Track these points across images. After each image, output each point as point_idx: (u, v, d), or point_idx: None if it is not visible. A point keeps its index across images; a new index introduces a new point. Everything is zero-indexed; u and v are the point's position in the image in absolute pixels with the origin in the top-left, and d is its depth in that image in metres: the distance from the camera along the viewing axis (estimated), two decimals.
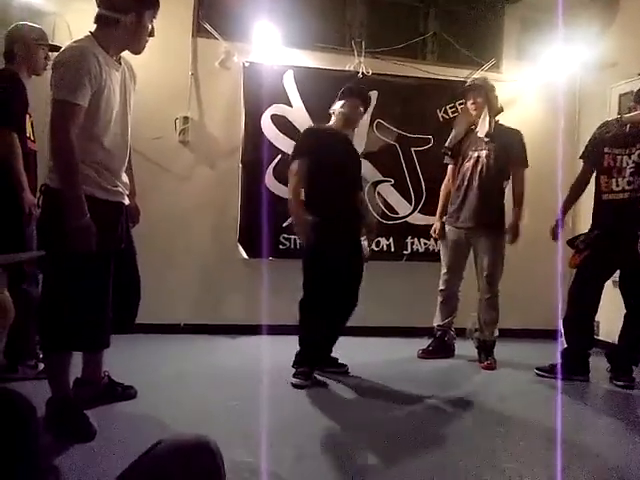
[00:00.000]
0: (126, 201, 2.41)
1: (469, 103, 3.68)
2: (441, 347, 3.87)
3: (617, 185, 3.32)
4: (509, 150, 3.57)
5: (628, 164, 3.29)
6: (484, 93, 3.61)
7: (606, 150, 3.36)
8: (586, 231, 3.46)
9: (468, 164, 3.64)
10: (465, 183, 3.64)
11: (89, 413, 2.30)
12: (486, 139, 3.60)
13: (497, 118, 3.66)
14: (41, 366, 2.79)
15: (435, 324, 3.90)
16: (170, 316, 4.09)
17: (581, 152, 3.55)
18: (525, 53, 4.60)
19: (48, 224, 2.20)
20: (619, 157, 3.34)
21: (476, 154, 3.62)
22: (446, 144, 3.82)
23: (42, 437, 1.36)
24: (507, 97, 4.59)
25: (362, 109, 3.32)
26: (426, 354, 3.85)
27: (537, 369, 3.49)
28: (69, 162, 2.07)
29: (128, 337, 2.53)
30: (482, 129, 3.61)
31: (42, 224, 2.28)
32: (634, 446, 2.42)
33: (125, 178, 2.41)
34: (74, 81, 2.04)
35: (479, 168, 3.59)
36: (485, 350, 3.69)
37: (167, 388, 2.90)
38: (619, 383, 3.30)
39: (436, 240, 4.21)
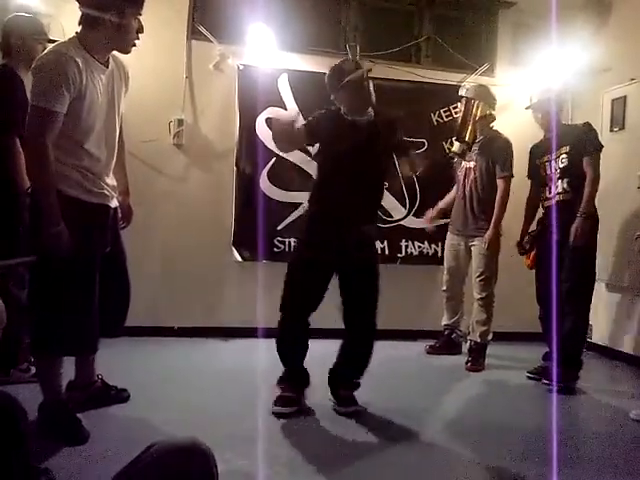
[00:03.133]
0: (113, 204, 2.39)
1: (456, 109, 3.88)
2: (448, 344, 4.02)
3: (550, 192, 3.39)
4: (495, 161, 3.68)
5: (555, 170, 3.36)
6: (465, 101, 3.74)
7: (537, 162, 3.48)
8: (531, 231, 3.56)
9: (460, 174, 3.83)
10: (460, 193, 3.83)
11: (82, 416, 2.29)
12: (476, 151, 3.74)
13: (491, 125, 3.78)
14: (33, 370, 2.77)
15: (442, 323, 4.05)
16: (164, 319, 4.08)
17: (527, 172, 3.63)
18: (519, 58, 4.62)
19: (33, 226, 2.18)
20: (547, 164, 3.41)
21: (467, 165, 3.78)
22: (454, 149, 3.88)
23: (34, 440, 1.35)
24: (501, 101, 4.61)
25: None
26: (433, 350, 4.04)
27: (528, 372, 3.49)
28: (42, 170, 2.06)
29: (121, 340, 2.53)
30: (474, 141, 3.75)
31: (29, 226, 2.27)
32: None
33: (112, 180, 2.39)
34: (51, 88, 2.03)
35: (470, 179, 3.75)
36: (476, 352, 3.72)
37: (160, 391, 2.89)
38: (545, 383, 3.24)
39: (430, 243, 4.25)
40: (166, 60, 4.07)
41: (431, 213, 4.06)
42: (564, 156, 3.31)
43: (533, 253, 3.51)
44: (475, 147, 3.76)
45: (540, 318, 3.47)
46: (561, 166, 3.32)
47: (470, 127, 3.70)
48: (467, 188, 3.76)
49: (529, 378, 3.46)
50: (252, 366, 3.30)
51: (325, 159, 2.77)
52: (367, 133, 2.63)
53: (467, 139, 3.71)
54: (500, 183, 3.65)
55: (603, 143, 3.32)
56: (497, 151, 3.68)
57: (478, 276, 3.71)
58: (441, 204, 4.06)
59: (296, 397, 2.70)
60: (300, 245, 2.92)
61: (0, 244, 2.65)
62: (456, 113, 3.92)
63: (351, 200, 2.60)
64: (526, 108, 3.57)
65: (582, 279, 3.26)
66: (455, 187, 3.97)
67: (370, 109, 2.70)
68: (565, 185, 3.31)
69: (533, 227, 3.57)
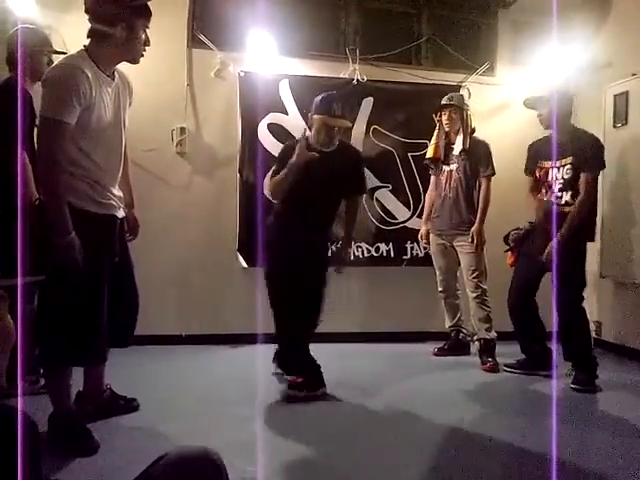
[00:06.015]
0: (120, 214, 2.40)
1: (444, 117, 3.89)
2: (456, 346, 4.05)
3: (550, 196, 3.34)
4: (477, 162, 3.80)
5: (557, 179, 3.30)
6: (458, 111, 3.82)
7: (539, 163, 3.42)
8: (517, 227, 3.54)
9: (442, 177, 3.94)
10: (442, 194, 3.93)
11: (91, 427, 2.29)
12: (459, 154, 3.84)
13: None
14: (42, 381, 2.78)
15: (447, 325, 4.08)
16: (171, 327, 4.08)
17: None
18: (519, 56, 4.62)
19: (41, 238, 2.19)
20: (549, 170, 3.35)
21: (449, 168, 3.90)
22: (427, 155, 4.03)
23: (45, 452, 1.35)
24: (502, 100, 4.62)
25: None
26: (441, 352, 4.05)
27: (505, 365, 3.58)
28: (52, 180, 2.08)
29: (130, 349, 2.53)
30: (457, 147, 3.85)
31: (36, 238, 2.26)
32: None
33: (118, 191, 2.40)
34: (62, 99, 2.05)
35: (452, 181, 3.86)
36: (486, 351, 3.74)
37: (170, 399, 2.89)
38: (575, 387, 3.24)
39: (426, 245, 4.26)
40: (167, 69, 4.09)
41: (424, 232, 4.12)
42: (569, 167, 3.25)
43: (512, 252, 3.54)
44: (455, 151, 3.86)
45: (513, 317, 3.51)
46: (566, 177, 3.27)
47: (467, 135, 3.80)
48: (451, 189, 3.86)
49: (505, 371, 3.55)
50: (260, 372, 3.29)
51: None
52: (327, 163, 2.91)
53: (466, 147, 3.79)
54: (484, 181, 3.79)
55: (606, 139, 3.28)
56: (479, 153, 3.80)
57: (471, 274, 3.79)
58: (424, 218, 4.15)
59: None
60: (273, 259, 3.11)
61: (6, 259, 2.65)
62: (438, 121, 3.97)
63: (308, 217, 2.98)
64: (525, 104, 3.52)
65: (571, 279, 3.24)
66: (430, 192, 4.09)
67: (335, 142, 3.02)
68: (569, 198, 3.25)
69: (520, 224, 3.55)
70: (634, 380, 3.49)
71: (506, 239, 3.58)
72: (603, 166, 3.28)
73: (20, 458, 1.08)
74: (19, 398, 2.30)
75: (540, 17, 4.31)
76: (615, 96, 4.17)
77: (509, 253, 3.57)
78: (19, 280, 2.25)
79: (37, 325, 2.26)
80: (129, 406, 2.65)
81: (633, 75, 4.00)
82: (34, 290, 2.63)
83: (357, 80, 4.33)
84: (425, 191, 4.39)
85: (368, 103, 4.37)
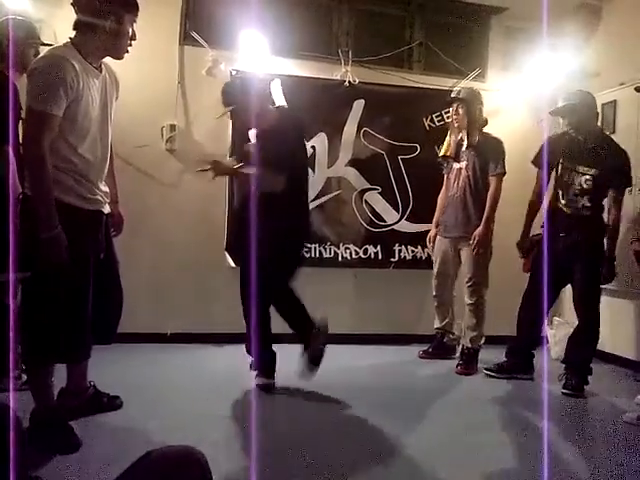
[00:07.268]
0: (106, 210, 2.39)
1: (452, 112, 3.82)
2: (441, 348, 4.03)
3: (562, 198, 3.36)
4: (487, 159, 3.69)
5: (574, 183, 3.30)
6: (465, 105, 3.72)
7: (560, 161, 3.39)
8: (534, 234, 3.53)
9: (452, 176, 3.83)
10: (450, 194, 3.83)
11: (74, 424, 2.27)
12: (468, 151, 3.74)
13: (483, 129, 3.77)
14: (24, 377, 2.74)
15: (434, 327, 4.05)
16: (156, 325, 4.05)
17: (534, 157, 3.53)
18: (510, 63, 4.66)
19: (26, 233, 2.16)
20: (571, 172, 3.33)
21: (458, 166, 3.79)
22: (440, 154, 3.95)
23: (26, 448, 1.34)
24: (492, 106, 4.64)
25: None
26: (426, 355, 4.04)
27: (485, 369, 3.59)
28: (40, 173, 2.05)
29: (114, 346, 2.51)
30: (463, 142, 3.77)
31: (21, 234, 2.24)
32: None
33: (105, 187, 2.39)
34: (49, 91, 2.02)
35: (460, 179, 3.75)
36: (467, 356, 3.72)
37: (154, 398, 2.87)
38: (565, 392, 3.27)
39: (424, 247, 4.26)
40: (159, 66, 4.07)
41: (432, 235, 4.03)
42: (588, 177, 3.25)
43: (527, 258, 3.52)
44: (466, 150, 3.77)
45: (518, 318, 3.53)
46: (585, 187, 3.26)
47: (473, 129, 3.71)
48: (459, 188, 3.75)
49: (487, 375, 3.56)
50: (246, 372, 3.28)
51: None
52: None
53: (473, 142, 3.71)
54: (493, 180, 3.67)
55: None
56: (491, 150, 3.70)
57: (467, 282, 3.72)
58: (435, 219, 4.04)
59: None
60: None
61: None
62: (449, 117, 3.92)
63: None
64: (550, 113, 3.49)
65: (592, 287, 3.31)
66: (442, 193, 3.99)
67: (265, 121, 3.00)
68: (586, 202, 3.26)
69: (535, 230, 3.55)
70: (614, 384, 3.53)
71: (520, 246, 3.54)
72: (631, 183, 3.30)
73: (10, 453, 1.07)
74: (11, 393, 2.28)
75: (531, 24, 4.34)
76: (603, 105, 4.21)
77: (524, 259, 3.55)
78: (11, 276, 2.23)
79: (21, 321, 2.23)
80: (112, 404, 2.63)
81: (621, 84, 4.05)
82: (17, 286, 2.60)
83: (349, 82, 4.34)
84: (414, 194, 4.42)
85: (359, 105, 4.38)
